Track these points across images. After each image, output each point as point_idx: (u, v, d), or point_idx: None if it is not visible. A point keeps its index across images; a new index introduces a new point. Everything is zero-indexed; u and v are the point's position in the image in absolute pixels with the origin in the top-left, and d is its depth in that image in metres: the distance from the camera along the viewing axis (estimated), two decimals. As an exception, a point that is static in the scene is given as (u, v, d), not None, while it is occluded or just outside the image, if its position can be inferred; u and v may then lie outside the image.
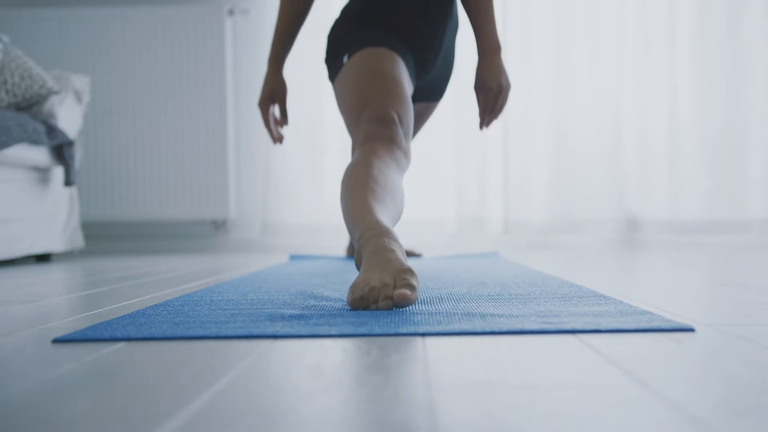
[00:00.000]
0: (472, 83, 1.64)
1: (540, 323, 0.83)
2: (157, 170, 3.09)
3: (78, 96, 2.69)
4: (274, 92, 1.75)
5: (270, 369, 0.65)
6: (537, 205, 3.11)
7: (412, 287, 0.96)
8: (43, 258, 2.62)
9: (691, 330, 0.79)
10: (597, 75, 3.10)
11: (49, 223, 2.55)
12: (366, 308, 0.97)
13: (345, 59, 1.60)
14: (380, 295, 0.97)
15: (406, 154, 1.42)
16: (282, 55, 1.75)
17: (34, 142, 2.34)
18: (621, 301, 1.00)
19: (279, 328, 0.84)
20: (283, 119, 1.79)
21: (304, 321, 0.89)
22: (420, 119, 1.98)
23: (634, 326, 0.80)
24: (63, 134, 2.49)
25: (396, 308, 0.97)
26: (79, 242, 2.77)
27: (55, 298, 1.28)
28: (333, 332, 0.80)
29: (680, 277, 1.49)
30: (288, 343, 0.77)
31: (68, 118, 2.62)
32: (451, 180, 3.11)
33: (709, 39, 3.07)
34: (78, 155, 2.73)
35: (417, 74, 1.68)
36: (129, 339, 0.80)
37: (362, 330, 0.81)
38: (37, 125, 2.35)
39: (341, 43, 1.63)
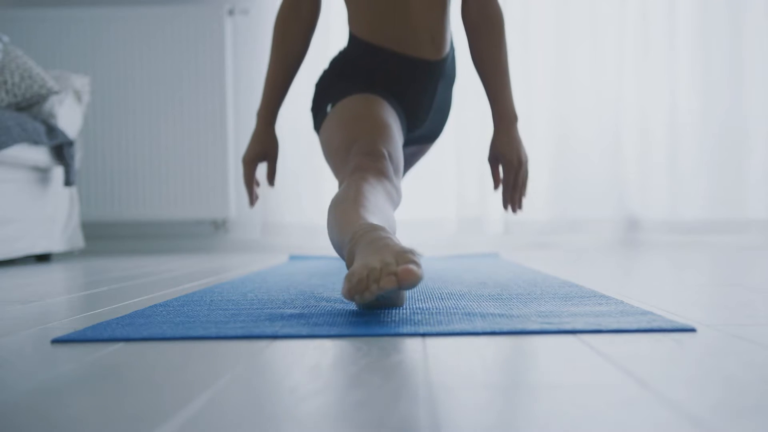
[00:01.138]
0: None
1: (541, 323, 0.83)
2: (157, 170, 3.09)
3: (78, 96, 2.69)
4: (266, 152, 1.62)
5: (269, 369, 0.65)
6: (537, 205, 3.11)
7: (417, 265, 0.86)
8: (43, 258, 2.62)
9: (693, 330, 0.79)
10: (597, 75, 3.10)
11: (49, 223, 2.55)
12: (365, 292, 0.86)
13: (329, 108, 1.53)
14: (382, 274, 0.86)
15: (397, 189, 1.33)
16: (276, 109, 1.62)
17: (34, 142, 2.34)
18: (622, 302, 1.00)
19: (278, 328, 0.83)
20: (271, 179, 1.66)
21: (304, 321, 0.88)
22: (413, 158, 1.88)
23: (635, 326, 0.80)
24: (63, 134, 2.49)
25: (400, 289, 0.86)
26: (79, 242, 2.77)
27: (55, 298, 1.28)
28: (333, 332, 0.80)
29: (680, 277, 1.49)
30: (288, 344, 0.77)
31: (68, 118, 2.62)
32: (451, 180, 3.11)
33: (709, 39, 3.07)
34: (78, 155, 2.73)
35: (409, 128, 1.62)
36: (128, 339, 0.80)
37: (362, 330, 0.81)
38: (37, 125, 2.35)
39: (326, 93, 1.56)
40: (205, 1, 3.18)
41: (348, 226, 1.03)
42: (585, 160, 3.10)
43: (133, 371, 0.65)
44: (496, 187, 1.59)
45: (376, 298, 0.88)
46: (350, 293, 0.88)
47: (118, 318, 0.94)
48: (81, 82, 2.71)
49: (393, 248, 0.89)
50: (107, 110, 3.09)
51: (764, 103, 3.06)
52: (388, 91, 1.54)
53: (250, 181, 1.62)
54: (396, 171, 1.38)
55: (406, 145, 1.69)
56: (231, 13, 3.13)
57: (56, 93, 2.51)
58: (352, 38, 1.58)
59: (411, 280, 0.84)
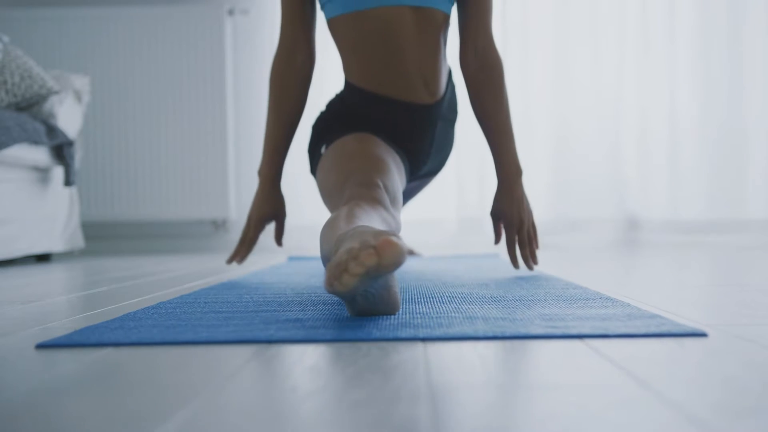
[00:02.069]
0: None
1: (545, 327, 0.81)
2: (157, 170, 3.09)
3: (78, 96, 2.69)
4: (275, 213, 1.59)
5: (262, 374, 0.65)
6: (537, 205, 3.10)
7: (398, 238, 0.81)
8: (43, 258, 2.62)
9: (704, 335, 0.76)
10: (597, 75, 3.10)
11: (49, 223, 2.55)
12: (344, 274, 0.81)
13: (323, 149, 1.51)
14: (360, 252, 0.80)
15: (395, 218, 1.27)
16: (280, 168, 1.58)
17: (34, 142, 2.34)
18: (628, 304, 0.98)
19: (273, 332, 0.81)
20: (279, 239, 1.61)
21: (300, 324, 0.87)
22: (414, 191, 1.83)
23: (643, 331, 0.77)
24: (63, 134, 2.49)
25: (381, 266, 0.80)
26: (79, 242, 2.76)
27: (55, 298, 1.28)
28: (329, 336, 0.78)
29: (680, 277, 1.49)
30: (282, 348, 0.76)
31: (68, 118, 2.62)
32: (451, 180, 3.11)
33: (709, 39, 3.07)
34: (78, 155, 2.73)
35: (412, 170, 1.60)
36: (116, 344, 0.78)
37: (360, 334, 0.79)
38: (37, 125, 2.35)
39: (322, 135, 1.55)
40: (205, 1, 3.18)
41: (336, 236, 0.99)
42: (585, 160, 3.10)
43: (116, 379, 0.65)
44: (496, 242, 1.57)
45: (360, 283, 0.81)
46: (330, 281, 0.81)
47: (107, 321, 0.92)
48: (81, 82, 2.71)
49: (374, 231, 0.85)
50: (107, 110, 3.09)
51: (764, 104, 3.05)
52: (386, 134, 1.53)
53: (253, 241, 1.55)
54: (393, 202, 1.33)
55: (408, 182, 1.67)
56: (231, 13, 3.13)
57: (56, 93, 2.51)
58: (348, 84, 1.58)
59: (392, 252, 0.79)
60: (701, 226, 3.06)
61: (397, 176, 1.42)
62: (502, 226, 1.55)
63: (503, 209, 1.53)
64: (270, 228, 3.17)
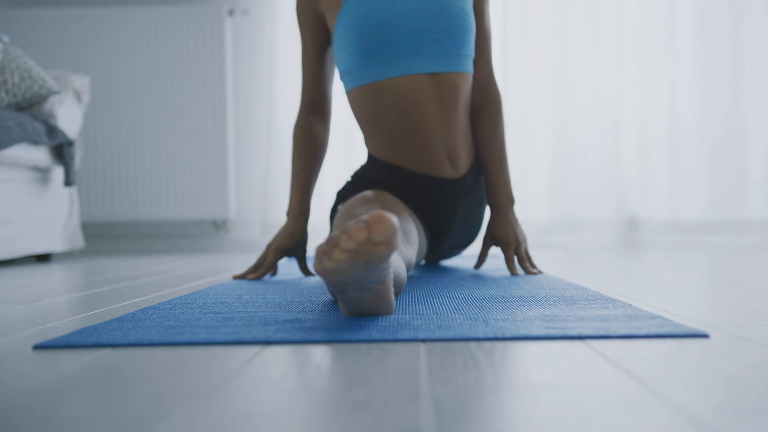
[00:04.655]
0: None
1: (546, 328, 0.81)
2: (157, 170, 3.09)
3: (78, 96, 2.69)
4: (296, 248, 1.58)
5: (261, 375, 0.65)
6: (537, 205, 3.10)
7: (391, 215, 0.81)
8: (43, 258, 2.62)
9: (705, 336, 0.76)
10: (597, 74, 3.10)
11: (49, 223, 2.55)
12: (335, 249, 0.80)
13: (339, 207, 1.54)
14: (351, 228, 0.79)
15: (405, 247, 1.23)
16: (308, 207, 1.59)
17: (34, 142, 2.34)
18: (629, 305, 0.98)
19: (272, 333, 0.81)
20: (305, 270, 1.59)
21: (299, 325, 0.86)
22: (440, 258, 1.84)
23: (644, 332, 0.77)
24: (63, 134, 2.49)
25: (372, 240, 0.78)
26: (79, 242, 2.76)
27: (55, 298, 1.28)
28: (329, 337, 0.78)
29: (680, 277, 1.49)
30: (281, 349, 0.76)
31: (68, 118, 2.62)
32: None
33: (710, 38, 3.06)
34: (78, 155, 2.73)
35: (433, 243, 1.63)
36: (114, 345, 0.77)
37: (360, 335, 0.79)
38: (37, 125, 2.35)
39: (342, 198, 1.60)
40: (205, 1, 3.18)
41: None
42: (585, 160, 3.09)
43: (113, 380, 0.65)
44: (477, 266, 1.65)
45: (350, 260, 0.80)
46: (319, 257, 0.80)
47: (106, 322, 0.92)
48: (81, 82, 2.70)
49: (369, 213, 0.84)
50: (107, 110, 3.09)
51: (764, 103, 3.05)
52: (406, 203, 1.56)
53: (269, 267, 1.56)
54: (405, 237, 1.31)
55: (435, 253, 1.71)
56: (231, 13, 3.13)
57: (56, 93, 2.51)
58: (370, 156, 1.63)
59: (383, 226, 0.78)
60: (701, 226, 3.06)
61: (410, 219, 1.44)
62: (488, 252, 1.63)
63: (500, 234, 1.59)
64: (269, 227, 3.18)
